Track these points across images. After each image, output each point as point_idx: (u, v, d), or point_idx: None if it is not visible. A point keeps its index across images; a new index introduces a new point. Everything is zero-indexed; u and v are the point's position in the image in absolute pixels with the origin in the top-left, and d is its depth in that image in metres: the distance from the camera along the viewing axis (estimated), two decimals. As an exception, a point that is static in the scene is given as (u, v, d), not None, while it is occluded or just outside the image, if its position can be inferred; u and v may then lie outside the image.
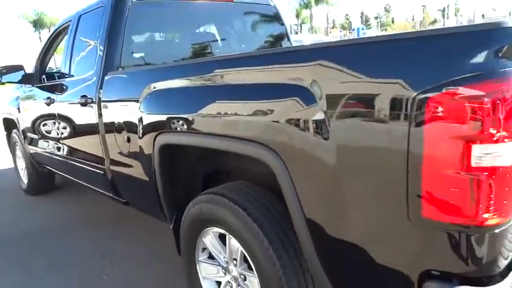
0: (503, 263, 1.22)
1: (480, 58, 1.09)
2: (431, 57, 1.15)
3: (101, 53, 2.85)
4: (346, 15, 75.03)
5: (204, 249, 2.15)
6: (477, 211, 1.11)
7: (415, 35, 1.24)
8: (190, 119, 1.93)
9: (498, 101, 1.06)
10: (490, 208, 1.12)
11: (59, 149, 3.63)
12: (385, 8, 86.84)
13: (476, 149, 1.08)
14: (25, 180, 4.92)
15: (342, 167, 1.35)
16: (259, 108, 1.57)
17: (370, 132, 1.26)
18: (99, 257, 3.17)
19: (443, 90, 1.10)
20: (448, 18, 51.36)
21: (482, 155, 1.08)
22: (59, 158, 3.70)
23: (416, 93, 1.14)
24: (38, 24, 50.32)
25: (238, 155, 1.73)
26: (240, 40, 3.57)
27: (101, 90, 2.76)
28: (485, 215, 1.12)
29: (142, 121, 2.30)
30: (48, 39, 4.08)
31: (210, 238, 2.07)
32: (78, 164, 3.33)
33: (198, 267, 2.20)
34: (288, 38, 3.91)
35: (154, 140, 2.20)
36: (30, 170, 4.70)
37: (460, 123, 1.09)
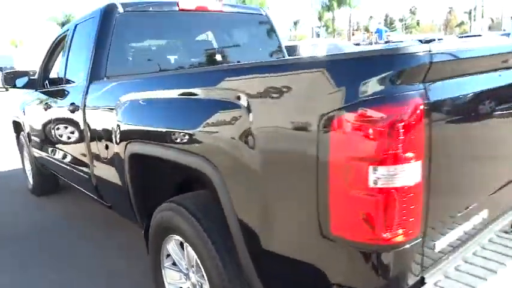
0: (413, 279, 1.25)
1: (382, 82, 1.13)
2: (339, 80, 1.20)
3: (89, 63, 2.97)
4: (370, 17, 74.26)
5: (168, 255, 2.23)
6: (379, 230, 1.15)
7: (326, 59, 1.28)
8: (148, 129, 2.02)
9: (396, 124, 1.10)
10: (393, 227, 1.15)
11: (54, 152, 3.78)
12: (410, 10, 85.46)
13: (374, 170, 1.12)
14: (31, 181, 5.12)
15: (265, 179, 1.42)
16: (195, 121, 1.66)
17: (288, 147, 1.32)
18: (95, 256, 3.29)
19: (345, 112, 1.14)
20: (475, 20, 50.22)
21: (380, 176, 1.12)
22: (55, 161, 3.85)
23: (323, 113, 1.19)
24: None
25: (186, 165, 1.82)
26: (230, 50, 3.64)
27: (86, 99, 2.88)
28: (388, 234, 1.16)
29: (117, 130, 2.40)
30: (51, 47, 4.25)
31: (172, 245, 2.15)
32: (69, 168, 3.47)
33: (163, 272, 2.28)
34: (281, 47, 3.95)
35: (125, 148, 2.30)
36: (35, 172, 4.89)
37: (359, 144, 1.13)
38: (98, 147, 2.77)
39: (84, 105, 2.88)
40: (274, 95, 1.36)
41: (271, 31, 3.87)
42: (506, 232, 1.64)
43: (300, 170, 1.28)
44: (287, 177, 1.34)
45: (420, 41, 22.83)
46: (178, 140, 1.82)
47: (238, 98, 1.48)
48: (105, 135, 2.62)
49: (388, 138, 1.10)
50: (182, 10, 3.27)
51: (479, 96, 1.34)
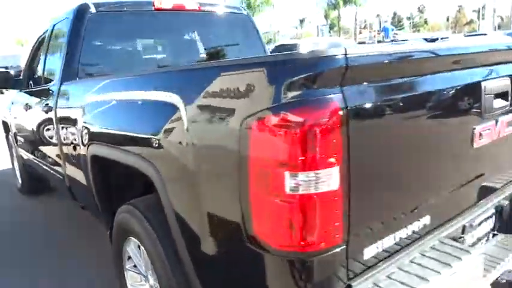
0: (339, 287, 1.21)
1: (300, 85, 1.09)
2: (260, 82, 1.17)
3: (61, 63, 2.97)
4: (377, 15, 73.83)
5: (129, 257, 2.21)
6: (298, 237, 1.12)
7: (252, 61, 1.25)
8: (103, 131, 2.01)
9: (312, 128, 1.07)
10: (311, 234, 1.12)
11: (36, 153, 3.78)
12: (418, 8, 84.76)
13: (290, 176, 1.09)
14: (20, 180, 5.14)
15: (198, 181, 1.40)
16: (138, 124, 1.66)
17: (217, 149, 1.30)
18: (68, 256, 3.29)
19: (262, 115, 1.12)
20: (483, 18, 49.78)
21: (297, 182, 1.09)
22: (37, 162, 3.85)
23: (245, 116, 1.17)
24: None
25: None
26: (208, 50, 3.61)
27: (57, 100, 2.87)
28: (307, 241, 1.13)
29: (82, 131, 2.40)
30: (33, 46, 4.25)
31: (132, 247, 2.13)
32: (48, 169, 3.47)
33: (126, 274, 2.26)
34: (263, 47, 3.91)
35: (87, 149, 2.30)
36: (23, 171, 4.91)
37: (274, 148, 1.10)
38: (68, 148, 2.76)
39: (56, 106, 2.88)
40: (206, 96, 1.34)
41: (252, 30, 3.83)
42: (454, 239, 1.59)
43: (227, 173, 1.26)
44: (217, 180, 1.32)
45: (425, 39, 22.58)
46: (126, 142, 1.81)
47: (174, 99, 1.46)
48: (73, 137, 2.61)
49: (303, 143, 1.06)
50: (158, 9, 3.24)
51: (407, 100, 1.28)
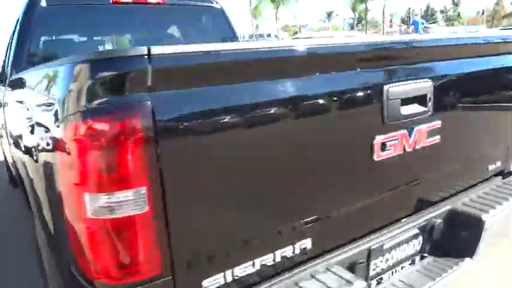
0: None
1: (102, 90, 0.92)
2: (66, 84, 1.01)
3: (11, 56, 2.90)
4: (409, 8, 71.66)
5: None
6: (109, 267, 0.97)
7: (70, 60, 1.09)
8: (14, 132, 1.92)
9: (111, 142, 0.90)
10: (123, 264, 0.97)
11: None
12: (453, 1, 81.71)
13: (90, 198, 0.93)
14: (7, 172, 5.19)
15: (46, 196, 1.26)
16: (22, 124, 1.53)
17: (46, 160, 1.16)
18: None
19: (63, 124, 0.97)
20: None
21: (98, 204, 0.93)
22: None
23: (57, 124, 1.02)
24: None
25: None
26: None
27: (4, 94, 2.80)
28: (119, 272, 0.97)
29: (10, 130, 2.31)
30: (9, 39, 4.22)
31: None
32: (8, 166, 3.44)
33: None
34: (236, 40, 3.73)
35: (13, 150, 2.21)
36: (8, 164, 4.94)
37: (73, 165, 0.94)
38: (11, 147, 2.70)
39: (3, 101, 2.81)
40: (42, 95, 1.20)
41: (225, 24, 3.66)
42: (353, 265, 1.39)
43: (51, 188, 1.11)
44: (48, 196, 1.18)
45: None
46: (17, 145, 1.71)
47: (31, 97, 1.34)
48: (9, 134, 2.54)
49: (100, 159, 0.91)
50: (116, 3, 3.12)
51: (239, 108, 1.07)
